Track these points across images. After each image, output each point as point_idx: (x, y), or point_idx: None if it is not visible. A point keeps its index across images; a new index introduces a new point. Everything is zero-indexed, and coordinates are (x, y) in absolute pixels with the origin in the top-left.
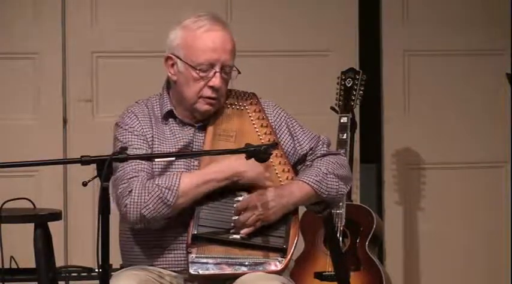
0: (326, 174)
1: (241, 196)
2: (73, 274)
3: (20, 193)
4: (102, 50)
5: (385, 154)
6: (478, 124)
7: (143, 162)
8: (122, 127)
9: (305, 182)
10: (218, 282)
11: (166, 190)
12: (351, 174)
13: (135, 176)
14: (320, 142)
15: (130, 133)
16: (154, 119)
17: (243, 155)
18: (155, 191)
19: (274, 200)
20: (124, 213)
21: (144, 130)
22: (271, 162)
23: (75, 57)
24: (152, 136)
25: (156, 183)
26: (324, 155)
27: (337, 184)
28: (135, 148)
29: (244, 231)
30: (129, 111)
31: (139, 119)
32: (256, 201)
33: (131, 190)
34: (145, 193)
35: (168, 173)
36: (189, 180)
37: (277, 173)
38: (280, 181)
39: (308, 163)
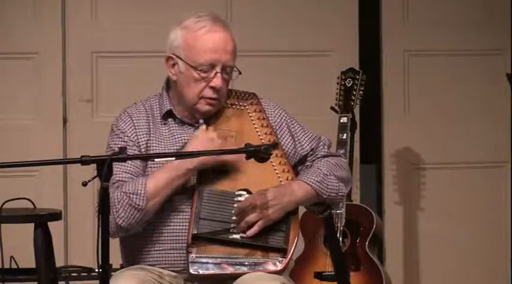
0: (326, 175)
1: (240, 195)
2: (73, 274)
3: (20, 193)
4: (102, 50)
5: (385, 154)
6: (478, 124)
7: (125, 170)
8: (114, 132)
9: (306, 182)
10: (218, 282)
11: (134, 196)
12: (351, 175)
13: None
14: (321, 143)
15: (120, 139)
16: (153, 120)
17: (248, 159)
18: (123, 199)
19: (276, 199)
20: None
21: (138, 135)
22: (271, 162)
23: (75, 57)
24: (148, 140)
25: (123, 190)
26: (324, 156)
27: (337, 185)
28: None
29: (244, 231)
30: (126, 113)
31: (134, 123)
32: (257, 200)
33: None
34: (115, 202)
35: (135, 179)
36: (154, 182)
37: (277, 173)
38: (281, 181)
39: (308, 163)
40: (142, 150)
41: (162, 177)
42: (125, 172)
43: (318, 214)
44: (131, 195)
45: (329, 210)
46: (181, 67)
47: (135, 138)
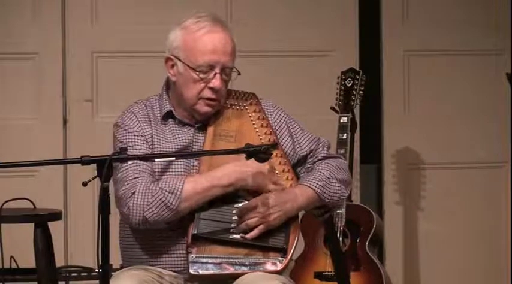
0: (329, 178)
1: (241, 196)
2: (73, 274)
3: (20, 193)
4: (102, 50)
5: (385, 154)
6: (478, 124)
7: (144, 162)
8: (121, 128)
9: (309, 186)
10: (218, 282)
11: (169, 194)
12: (351, 177)
13: (138, 177)
14: (320, 144)
15: (130, 134)
16: (154, 119)
17: (248, 159)
18: (158, 194)
19: (278, 205)
20: (127, 214)
21: (144, 130)
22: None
23: (75, 57)
24: (152, 136)
25: (160, 186)
26: (324, 158)
27: (339, 188)
28: (136, 149)
29: (244, 232)
30: (129, 111)
31: (139, 119)
32: (259, 206)
33: (134, 191)
34: (148, 195)
35: (173, 176)
36: (193, 185)
37: (277, 173)
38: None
39: (308, 165)
40: (150, 144)
41: (201, 182)
42: (146, 164)
43: (317, 217)
44: (166, 193)
45: (329, 212)
46: (181, 68)
47: (143, 133)
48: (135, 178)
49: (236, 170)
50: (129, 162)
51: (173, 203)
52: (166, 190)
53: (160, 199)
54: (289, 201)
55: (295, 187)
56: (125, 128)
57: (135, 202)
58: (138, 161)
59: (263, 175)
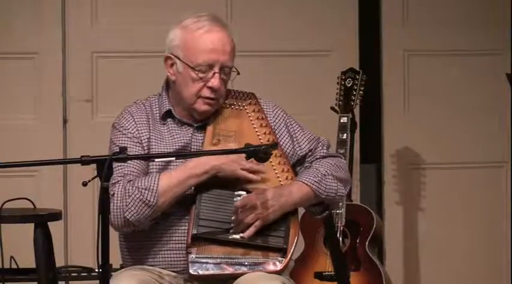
0: (325, 175)
1: (239, 195)
2: (73, 274)
3: (20, 193)
4: (102, 50)
5: (385, 154)
6: (478, 124)
7: (132, 164)
8: (117, 129)
9: (304, 183)
10: (218, 282)
11: (146, 191)
12: (350, 176)
13: (118, 181)
14: (320, 144)
15: (124, 136)
16: (152, 119)
17: (248, 159)
18: (135, 193)
19: (273, 199)
20: (109, 218)
21: (140, 131)
22: (271, 161)
23: (75, 57)
24: (149, 138)
25: (135, 185)
26: (323, 157)
27: (335, 185)
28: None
29: (242, 230)
30: (126, 111)
31: (136, 120)
32: (255, 200)
33: (113, 194)
34: (126, 196)
35: (148, 174)
36: (167, 179)
37: (276, 173)
38: (280, 181)
39: (307, 164)
40: (145, 146)
41: (176, 175)
42: (133, 167)
43: (316, 214)
44: (143, 191)
45: (328, 210)
46: (180, 67)
47: (138, 135)
48: (116, 181)
49: (209, 158)
50: (116, 164)
51: (151, 199)
52: (142, 188)
53: (137, 197)
54: (283, 196)
55: (291, 183)
56: (119, 129)
57: (114, 204)
58: (125, 163)
59: (237, 163)
